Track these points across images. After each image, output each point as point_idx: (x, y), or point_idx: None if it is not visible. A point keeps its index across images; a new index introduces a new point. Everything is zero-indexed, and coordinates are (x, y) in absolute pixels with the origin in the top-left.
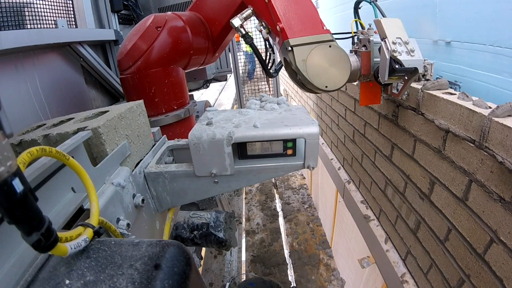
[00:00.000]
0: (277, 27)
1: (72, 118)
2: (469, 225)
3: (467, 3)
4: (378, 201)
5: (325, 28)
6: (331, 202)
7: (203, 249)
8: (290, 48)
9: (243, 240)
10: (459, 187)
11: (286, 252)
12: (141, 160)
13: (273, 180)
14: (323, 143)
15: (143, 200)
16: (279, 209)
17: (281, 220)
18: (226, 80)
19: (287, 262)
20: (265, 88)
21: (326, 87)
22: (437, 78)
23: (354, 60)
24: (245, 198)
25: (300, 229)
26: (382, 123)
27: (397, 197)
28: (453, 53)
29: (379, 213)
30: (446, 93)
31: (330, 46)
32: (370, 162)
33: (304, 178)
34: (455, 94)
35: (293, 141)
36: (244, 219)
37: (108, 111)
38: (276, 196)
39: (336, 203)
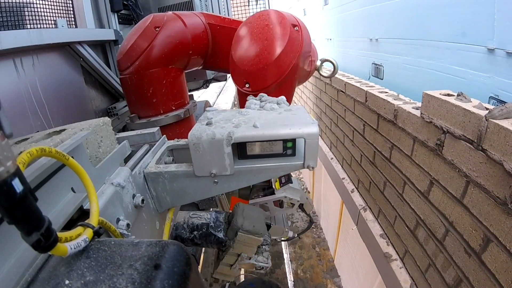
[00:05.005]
0: None
1: (27, 139)
2: None
3: None
4: (403, 240)
5: None
6: (335, 214)
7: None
8: None
9: None
10: None
11: (290, 282)
12: (140, 160)
13: None
14: (332, 158)
15: (143, 200)
16: None
17: (283, 243)
18: (226, 80)
19: None
20: None
21: None
22: (490, 96)
23: None
24: None
25: (305, 254)
26: (418, 150)
27: (431, 243)
28: None
29: (404, 254)
30: None
31: None
32: (396, 193)
33: (309, 192)
34: None
35: (293, 141)
36: None
37: (65, 129)
38: None
39: (340, 216)
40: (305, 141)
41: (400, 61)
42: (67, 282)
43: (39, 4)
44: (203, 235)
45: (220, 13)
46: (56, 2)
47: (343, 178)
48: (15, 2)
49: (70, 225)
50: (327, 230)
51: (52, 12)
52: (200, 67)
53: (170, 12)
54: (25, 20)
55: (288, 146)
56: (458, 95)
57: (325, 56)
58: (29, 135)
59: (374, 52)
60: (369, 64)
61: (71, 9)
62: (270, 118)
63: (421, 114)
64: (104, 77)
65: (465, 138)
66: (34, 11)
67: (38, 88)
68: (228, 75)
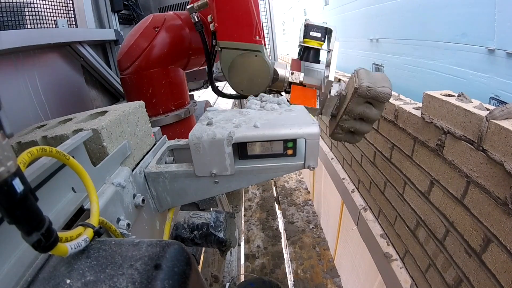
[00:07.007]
0: (213, 26)
1: (71, 119)
2: None
3: None
4: (404, 240)
5: (257, 39)
6: (335, 213)
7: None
8: (219, 49)
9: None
10: None
11: (290, 282)
12: (141, 160)
13: (274, 194)
14: (332, 158)
15: (143, 200)
16: (281, 229)
17: (284, 243)
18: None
19: None
20: None
21: (242, 91)
22: (491, 97)
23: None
24: (244, 216)
25: (305, 254)
26: (418, 151)
27: (432, 243)
28: None
29: (405, 254)
30: None
31: (256, 56)
32: (396, 194)
33: (309, 192)
34: None
35: (294, 141)
36: (243, 241)
37: (107, 111)
38: (278, 213)
39: (341, 216)
40: (305, 141)
41: (401, 62)
42: (67, 281)
43: (40, 4)
44: (203, 235)
45: None
46: (56, 2)
47: (344, 178)
48: (16, 2)
49: (70, 225)
50: (327, 230)
51: (52, 12)
52: (202, 67)
53: (170, 12)
54: (26, 20)
55: (289, 146)
56: (458, 95)
57: None
58: (71, 115)
59: (375, 53)
60: (370, 64)
61: (72, 9)
62: (270, 118)
63: (421, 114)
64: (105, 77)
65: (466, 139)
66: (35, 11)
67: (39, 88)
68: None
